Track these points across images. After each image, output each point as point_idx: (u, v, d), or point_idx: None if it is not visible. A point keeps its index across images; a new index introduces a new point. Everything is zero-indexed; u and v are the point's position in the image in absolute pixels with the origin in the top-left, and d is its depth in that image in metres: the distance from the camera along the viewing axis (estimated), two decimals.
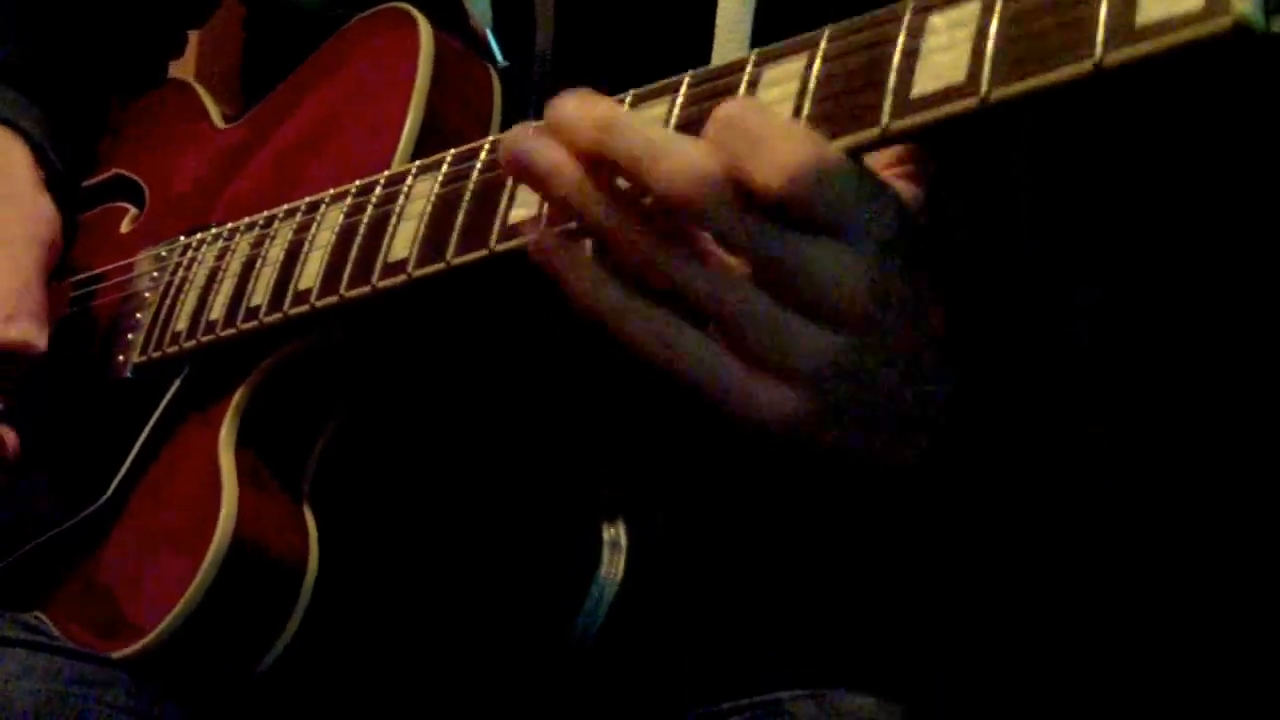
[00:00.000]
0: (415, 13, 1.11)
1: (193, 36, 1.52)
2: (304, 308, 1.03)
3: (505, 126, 1.10)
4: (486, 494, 1.12)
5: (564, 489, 1.11)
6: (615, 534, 1.09)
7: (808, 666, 1.11)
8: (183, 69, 1.50)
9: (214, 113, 1.31)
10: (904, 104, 0.77)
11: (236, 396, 1.07)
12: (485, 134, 1.09)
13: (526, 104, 1.13)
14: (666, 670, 1.12)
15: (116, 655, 1.03)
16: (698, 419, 1.08)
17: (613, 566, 1.08)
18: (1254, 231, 1.20)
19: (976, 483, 1.03)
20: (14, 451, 1.19)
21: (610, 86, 0.99)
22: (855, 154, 0.79)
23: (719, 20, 1.08)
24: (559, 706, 1.13)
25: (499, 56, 1.14)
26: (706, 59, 1.07)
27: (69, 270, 1.27)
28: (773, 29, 0.88)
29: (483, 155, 0.97)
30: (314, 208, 1.07)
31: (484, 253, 0.92)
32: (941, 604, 1.15)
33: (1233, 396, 1.44)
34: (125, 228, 1.30)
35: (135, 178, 1.33)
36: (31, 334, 1.18)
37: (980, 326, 0.94)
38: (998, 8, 0.75)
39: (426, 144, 1.06)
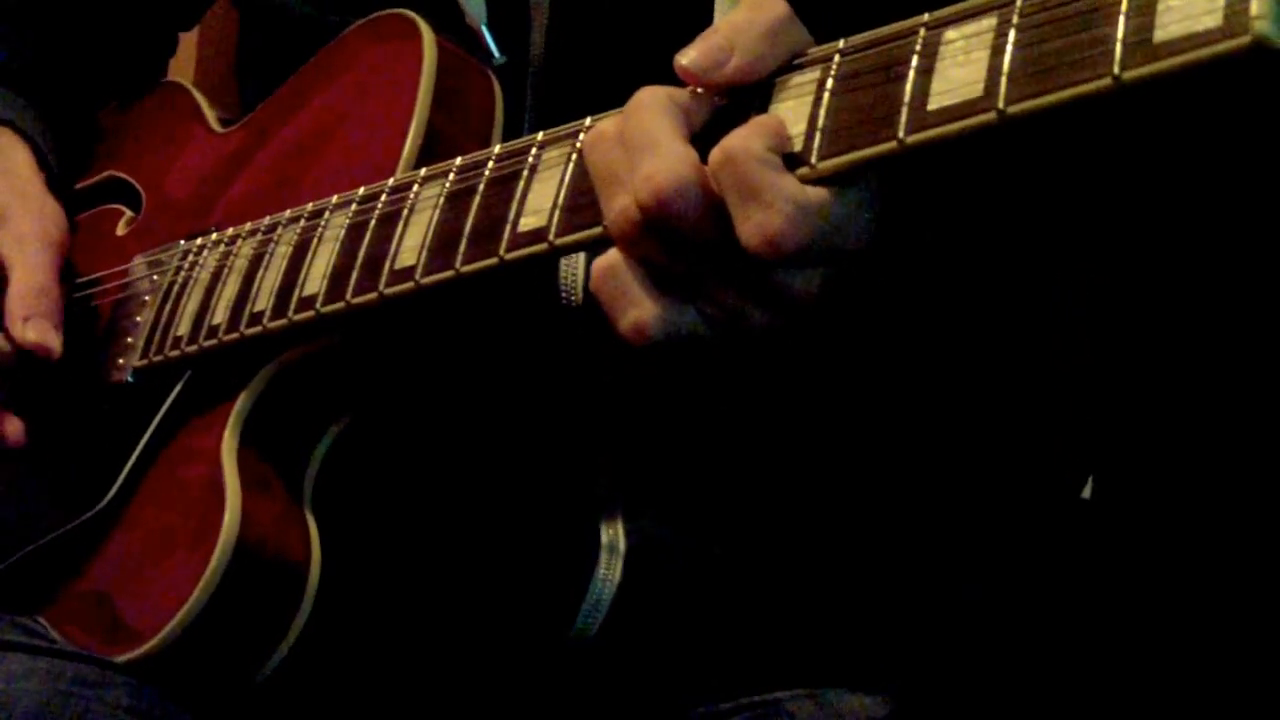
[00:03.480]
0: (418, 19, 1.11)
1: (192, 39, 1.52)
2: (309, 313, 1.03)
3: (506, 128, 1.10)
4: (486, 495, 1.12)
5: (562, 491, 1.11)
6: (613, 535, 1.09)
7: (808, 666, 1.12)
8: (182, 72, 1.49)
9: (209, 115, 1.30)
10: (921, 117, 0.77)
11: (239, 401, 1.06)
12: (488, 141, 1.09)
13: (524, 102, 1.13)
14: (666, 670, 1.12)
15: (119, 659, 1.03)
16: (696, 421, 1.10)
17: (611, 568, 1.08)
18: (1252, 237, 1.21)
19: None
20: (20, 440, 1.18)
21: (605, 87, 1.00)
22: (870, 169, 0.80)
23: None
24: (559, 707, 1.13)
25: (495, 53, 1.14)
26: None
27: (67, 272, 1.26)
28: None
29: (491, 163, 0.97)
30: (318, 214, 1.07)
31: (494, 261, 0.93)
32: (940, 604, 1.16)
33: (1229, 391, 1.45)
34: (121, 230, 1.29)
35: (130, 180, 1.32)
36: (49, 337, 1.18)
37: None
38: (1014, 22, 0.76)
39: (429, 152, 1.06)
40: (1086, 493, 1.52)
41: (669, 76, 0.88)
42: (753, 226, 0.81)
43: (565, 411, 1.11)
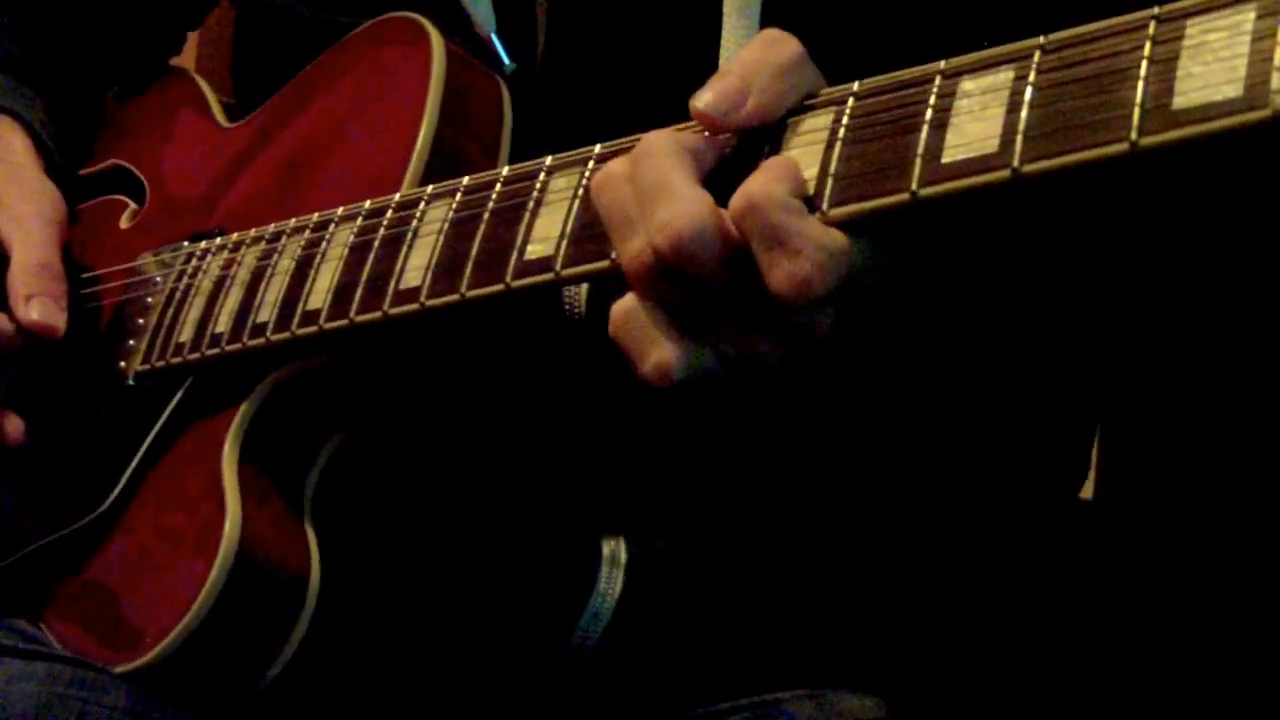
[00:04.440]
0: (427, 24, 1.09)
1: (193, 37, 1.51)
2: (312, 328, 1.02)
3: (516, 135, 1.09)
4: (487, 507, 1.12)
5: (564, 504, 1.11)
6: (614, 548, 1.09)
7: (807, 666, 1.12)
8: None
9: (215, 107, 1.29)
10: (934, 170, 0.76)
11: (241, 411, 1.06)
12: (496, 148, 1.08)
13: (532, 108, 1.12)
14: (666, 672, 1.12)
15: (118, 670, 1.03)
16: (697, 435, 1.10)
17: (611, 581, 1.08)
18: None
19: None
20: (19, 439, 1.18)
21: (605, 93, 0.98)
22: (881, 218, 0.79)
23: (724, 41, 1.07)
24: (559, 709, 1.13)
25: (506, 60, 1.12)
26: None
27: (69, 265, 1.25)
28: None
29: (498, 187, 0.96)
30: (323, 226, 1.06)
31: (500, 288, 0.92)
32: (940, 605, 1.16)
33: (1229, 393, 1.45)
34: (124, 224, 1.29)
35: (135, 170, 1.31)
36: (52, 315, 1.17)
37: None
38: (1031, 79, 0.75)
39: (436, 159, 1.05)
40: (1087, 493, 1.53)
41: (668, 78, 0.87)
42: (781, 273, 0.79)
43: (568, 425, 1.10)
